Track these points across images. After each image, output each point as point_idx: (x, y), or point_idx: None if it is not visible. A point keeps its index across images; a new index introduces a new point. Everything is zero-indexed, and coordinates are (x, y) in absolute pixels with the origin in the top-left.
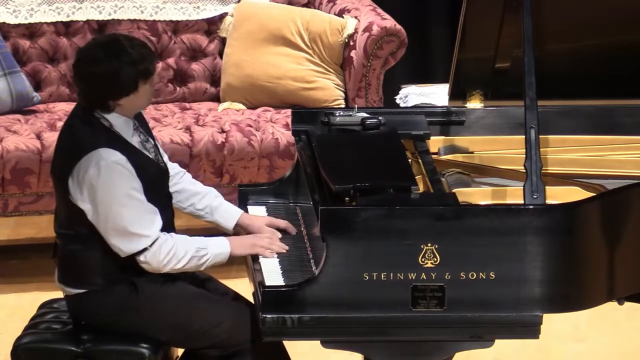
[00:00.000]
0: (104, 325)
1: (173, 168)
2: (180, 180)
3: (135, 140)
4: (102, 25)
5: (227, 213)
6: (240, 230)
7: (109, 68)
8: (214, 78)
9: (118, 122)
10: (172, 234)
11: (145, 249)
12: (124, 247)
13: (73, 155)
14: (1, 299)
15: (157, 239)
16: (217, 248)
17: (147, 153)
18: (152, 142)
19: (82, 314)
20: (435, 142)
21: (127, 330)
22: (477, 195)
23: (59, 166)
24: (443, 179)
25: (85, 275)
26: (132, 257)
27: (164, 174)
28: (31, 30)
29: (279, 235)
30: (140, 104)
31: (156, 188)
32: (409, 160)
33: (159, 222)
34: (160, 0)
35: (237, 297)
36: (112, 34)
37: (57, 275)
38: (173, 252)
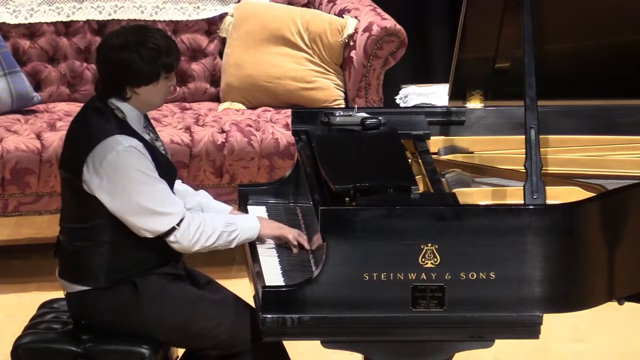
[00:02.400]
0: (104, 325)
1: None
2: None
3: (146, 137)
4: (102, 25)
5: (217, 209)
6: None
7: (135, 53)
8: (214, 78)
9: (132, 115)
10: (198, 212)
11: (173, 229)
12: (152, 227)
13: (87, 144)
14: (1, 299)
15: (184, 217)
16: (246, 223)
17: (158, 149)
18: (161, 142)
19: (83, 312)
20: (435, 142)
21: (128, 331)
22: (477, 195)
23: (69, 158)
24: (443, 179)
25: (88, 272)
26: (137, 256)
27: (174, 171)
28: (31, 30)
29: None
30: (156, 99)
31: (167, 182)
32: (409, 160)
33: (180, 201)
34: (160, 0)
35: (236, 298)
36: (142, 24)
37: (59, 270)
38: (202, 229)
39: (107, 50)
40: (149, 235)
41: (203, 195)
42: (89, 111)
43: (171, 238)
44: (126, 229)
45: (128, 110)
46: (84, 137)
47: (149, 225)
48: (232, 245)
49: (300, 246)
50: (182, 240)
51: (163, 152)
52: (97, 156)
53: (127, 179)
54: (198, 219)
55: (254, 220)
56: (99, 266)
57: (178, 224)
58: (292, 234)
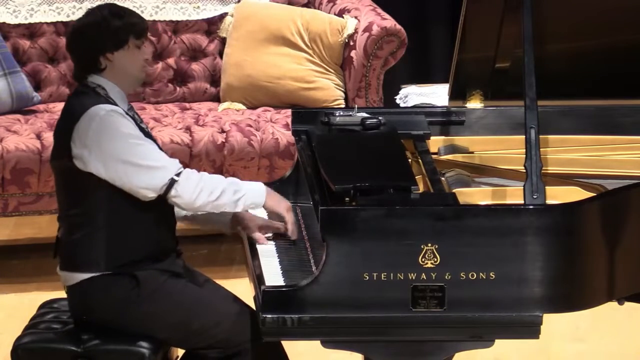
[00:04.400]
0: (103, 321)
1: None
2: None
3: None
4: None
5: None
6: (236, 225)
7: (98, 17)
8: (214, 78)
9: (114, 92)
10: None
11: (173, 182)
12: (150, 182)
13: (70, 122)
14: (1, 299)
15: (181, 170)
16: (252, 186)
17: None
18: (146, 126)
19: (83, 307)
20: (435, 142)
21: (127, 328)
22: (477, 195)
23: (57, 143)
24: (443, 179)
25: (87, 258)
26: (136, 239)
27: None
28: (31, 30)
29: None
30: (131, 69)
31: None
32: (409, 160)
33: (173, 159)
34: (160, 0)
35: (236, 298)
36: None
37: (60, 264)
38: (203, 182)
39: (74, 26)
40: (151, 194)
41: None
42: (71, 97)
43: (172, 192)
44: (120, 212)
45: (109, 87)
46: (67, 118)
47: (146, 181)
48: (239, 208)
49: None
50: (183, 194)
51: (151, 136)
52: (81, 128)
53: (115, 140)
54: (198, 174)
55: (260, 185)
56: (99, 251)
57: (177, 176)
58: (290, 217)
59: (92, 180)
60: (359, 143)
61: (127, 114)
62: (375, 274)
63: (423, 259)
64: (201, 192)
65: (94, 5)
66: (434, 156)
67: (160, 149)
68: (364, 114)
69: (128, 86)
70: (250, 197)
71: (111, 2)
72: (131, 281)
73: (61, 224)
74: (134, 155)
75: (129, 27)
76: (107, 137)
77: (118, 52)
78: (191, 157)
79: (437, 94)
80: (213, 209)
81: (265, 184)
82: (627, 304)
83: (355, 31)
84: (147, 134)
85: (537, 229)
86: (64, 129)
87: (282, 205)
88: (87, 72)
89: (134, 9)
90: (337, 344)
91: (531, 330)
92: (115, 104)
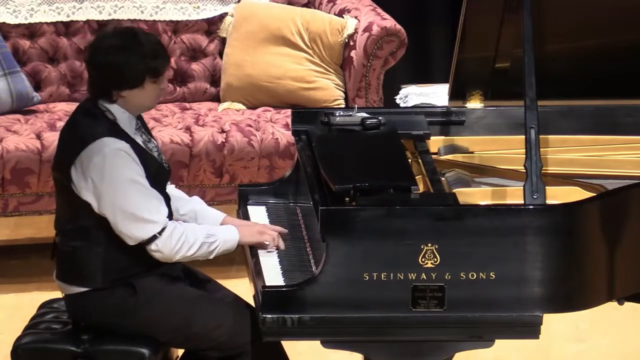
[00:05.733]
0: (103, 327)
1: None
2: (172, 189)
3: (138, 139)
4: (102, 25)
5: (211, 215)
6: None
7: (119, 59)
8: (214, 78)
9: (122, 117)
10: (180, 221)
11: (155, 237)
12: (133, 234)
13: (76, 145)
14: (1, 299)
15: (166, 226)
16: (226, 235)
17: (150, 152)
18: (155, 143)
19: (81, 314)
20: (435, 142)
21: (127, 332)
22: (477, 195)
23: (60, 159)
24: (443, 179)
25: (85, 273)
26: (133, 255)
27: (166, 173)
28: (31, 30)
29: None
30: (145, 102)
31: (156, 186)
32: (409, 160)
33: (165, 209)
34: (160, 0)
35: (236, 299)
36: (131, 27)
37: (56, 272)
38: (184, 239)
39: (94, 52)
40: (131, 242)
41: (197, 202)
42: (80, 113)
43: (152, 247)
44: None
45: (118, 112)
46: (73, 139)
47: (130, 230)
48: (211, 257)
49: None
50: (163, 250)
51: (156, 154)
52: (84, 158)
53: (112, 183)
54: (180, 229)
55: (232, 232)
56: (95, 267)
57: (160, 233)
58: (269, 237)
59: (88, 202)
60: (359, 143)
61: (131, 141)
62: (375, 274)
63: (423, 259)
64: (180, 249)
65: (94, 5)
66: (434, 156)
67: (162, 166)
68: (364, 114)
69: (139, 112)
70: (223, 247)
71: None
72: (128, 290)
73: (58, 232)
74: (127, 204)
75: (148, 70)
76: (106, 176)
77: (132, 90)
78: (191, 157)
79: (437, 94)
80: (187, 260)
81: (265, 184)
82: (627, 304)
83: (355, 31)
84: (153, 160)
85: (537, 229)
86: (69, 149)
87: (257, 238)
88: (99, 97)
89: (134, 9)
90: (337, 344)
91: (531, 330)
92: (122, 130)
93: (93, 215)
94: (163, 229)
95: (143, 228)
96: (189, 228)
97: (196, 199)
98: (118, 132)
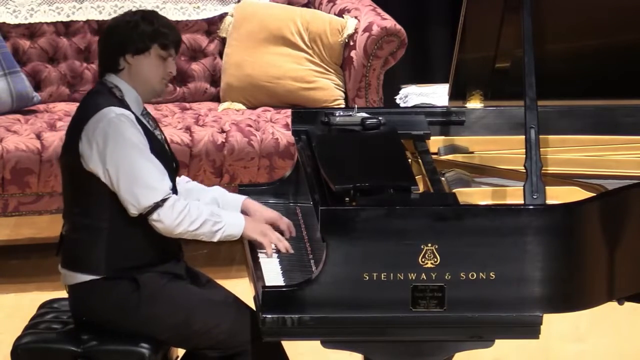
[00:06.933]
0: (103, 323)
1: (182, 179)
2: (189, 182)
3: (144, 123)
4: (102, 25)
5: (230, 200)
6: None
7: (130, 21)
8: (214, 78)
9: (130, 95)
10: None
11: (157, 206)
12: (135, 199)
13: (81, 120)
14: (1, 299)
15: (169, 196)
16: (232, 219)
17: (156, 137)
18: (163, 136)
19: (83, 308)
20: (435, 142)
21: (127, 329)
22: (477, 195)
23: (68, 139)
24: (443, 179)
25: (88, 259)
26: (138, 245)
27: (173, 162)
28: (31, 30)
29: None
30: (150, 75)
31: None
32: (409, 160)
33: (168, 180)
34: (160, 1)
35: (236, 298)
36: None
37: (61, 262)
38: (186, 212)
39: (108, 23)
40: (133, 210)
41: (217, 190)
42: (87, 96)
43: (154, 216)
44: (123, 216)
45: (126, 90)
46: (79, 116)
47: (132, 197)
48: (216, 238)
49: (278, 250)
50: (164, 220)
51: (162, 141)
52: (90, 127)
53: (117, 145)
54: (183, 202)
55: (240, 219)
56: (99, 253)
57: (162, 202)
58: (268, 243)
59: (96, 182)
60: (359, 143)
61: (138, 120)
62: (375, 274)
63: (423, 259)
64: (183, 221)
65: (94, 5)
66: (434, 156)
67: (168, 154)
68: (364, 114)
69: (144, 94)
70: (228, 230)
71: (149, 9)
72: (131, 285)
73: (65, 221)
74: (131, 166)
75: (155, 34)
76: (111, 140)
77: (138, 57)
78: (191, 157)
79: (437, 94)
80: (191, 237)
81: (265, 184)
82: (627, 304)
83: (355, 31)
84: (159, 143)
85: (537, 229)
86: (75, 126)
87: (259, 238)
88: (106, 70)
89: (134, 9)
90: (337, 344)
91: (531, 330)
92: (129, 107)
93: (97, 197)
94: (166, 200)
95: (145, 194)
96: (193, 203)
97: (217, 187)
98: (125, 107)
